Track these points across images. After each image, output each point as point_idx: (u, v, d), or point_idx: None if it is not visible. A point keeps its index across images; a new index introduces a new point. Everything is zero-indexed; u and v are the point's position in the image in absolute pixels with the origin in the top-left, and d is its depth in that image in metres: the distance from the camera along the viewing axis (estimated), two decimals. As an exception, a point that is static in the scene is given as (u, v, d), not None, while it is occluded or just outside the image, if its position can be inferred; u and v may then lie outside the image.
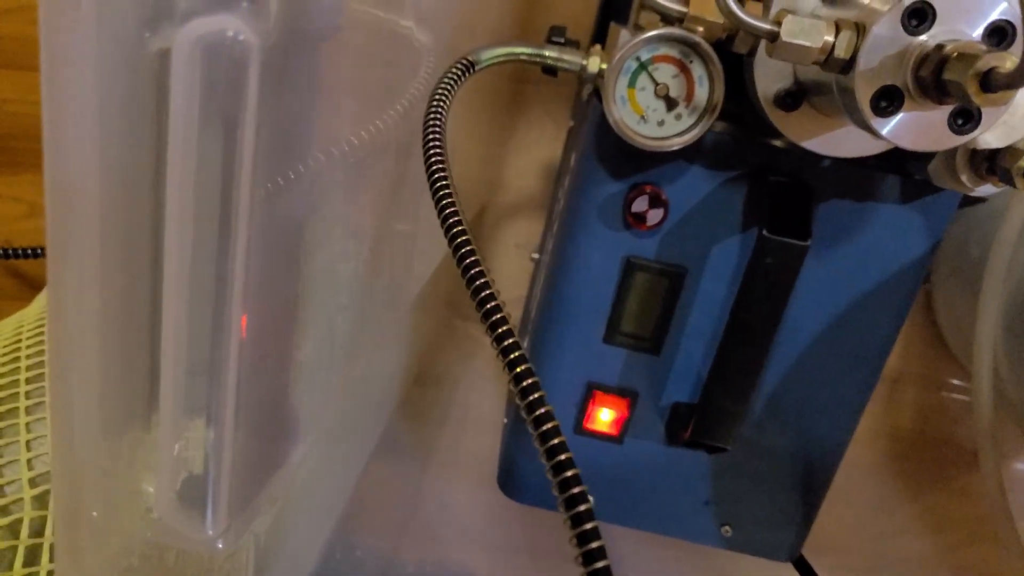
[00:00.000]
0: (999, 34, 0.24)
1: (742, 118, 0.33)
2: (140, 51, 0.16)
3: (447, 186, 0.25)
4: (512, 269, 0.62)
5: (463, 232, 0.24)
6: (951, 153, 0.31)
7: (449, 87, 0.28)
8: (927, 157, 0.32)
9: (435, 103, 0.27)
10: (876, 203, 0.35)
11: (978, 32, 0.24)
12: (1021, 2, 0.23)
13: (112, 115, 0.17)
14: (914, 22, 0.24)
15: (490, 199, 0.63)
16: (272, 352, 0.29)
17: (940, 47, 0.24)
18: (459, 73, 0.30)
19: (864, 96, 0.25)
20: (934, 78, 0.24)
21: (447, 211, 0.24)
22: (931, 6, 0.24)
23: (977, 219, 0.54)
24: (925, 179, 0.33)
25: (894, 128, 0.25)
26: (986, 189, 0.32)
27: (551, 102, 0.61)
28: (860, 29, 0.25)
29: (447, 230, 0.24)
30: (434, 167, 0.25)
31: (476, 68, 0.31)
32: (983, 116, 0.25)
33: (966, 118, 0.25)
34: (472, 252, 0.24)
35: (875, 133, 0.25)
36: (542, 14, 0.57)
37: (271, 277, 0.27)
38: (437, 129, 0.26)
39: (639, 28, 0.32)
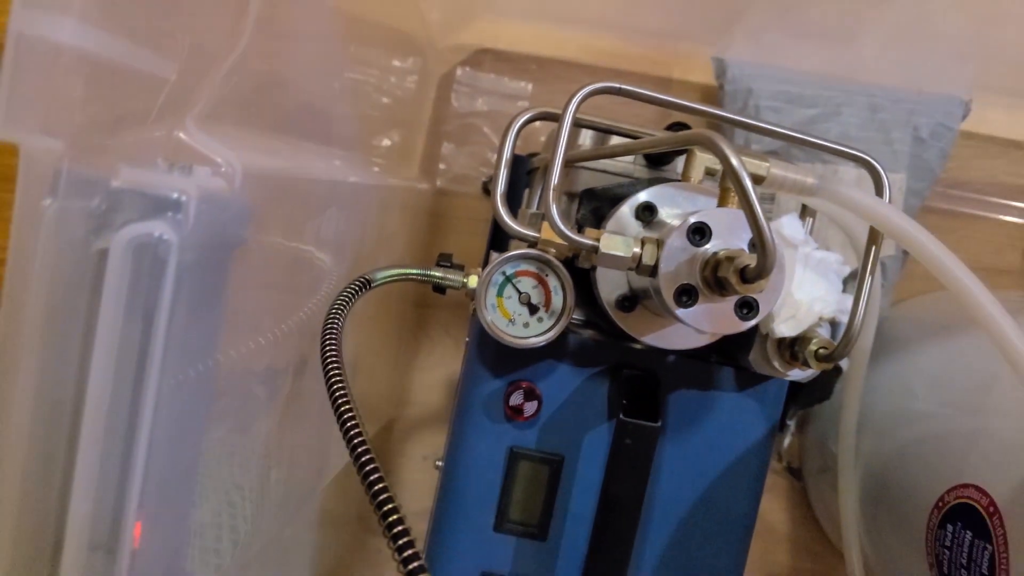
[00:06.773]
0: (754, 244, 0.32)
1: (598, 324, 0.40)
2: (85, 251, 0.21)
3: (344, 395, 0.27)
4: (419, 479, 0.65)
5: (363, 443, 0.26)
6: (763, 345, 0.38)
7: (345, 302, 0.34)
8: (749, 349, 0.39)
9: (332, 316, 0.33)
10: (717, 391, 0.41)
11: (744, 244, 0.32)
12: (758, 230, 0.31)
13: (57, 300, 0.21)
14: (697, 237, 0.32)
15: (397, 413, 0.67)
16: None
17: (715, 254, 0.31)
18: (356, 289, 0.36)
19: (668, 293, 0.32)
20: (714, 276, 0.31)
21: (347, 423, 0.26)
22: (707, 225, 0.32)
23: (830, 416, 0.60)
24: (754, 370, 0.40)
25: (694, 317, 0.32)
26: (796, 373, 0.39)
27: (451, 324, 0.68)
28: (660, 244, 0.32)
29: (348, 442, 0.26)
30: (332, 376, 0.29)
31: (372, 285, 0.37)
32: (760, 306, 0.32)
33: (748, 308, 0.32)
34: (372, 464, 0.25)
35: (681, 321, 0.32)
36: (439, 246, 0.67)
37: (173, 465, 0.30)
38: (334, 339, 0.31)
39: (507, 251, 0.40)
